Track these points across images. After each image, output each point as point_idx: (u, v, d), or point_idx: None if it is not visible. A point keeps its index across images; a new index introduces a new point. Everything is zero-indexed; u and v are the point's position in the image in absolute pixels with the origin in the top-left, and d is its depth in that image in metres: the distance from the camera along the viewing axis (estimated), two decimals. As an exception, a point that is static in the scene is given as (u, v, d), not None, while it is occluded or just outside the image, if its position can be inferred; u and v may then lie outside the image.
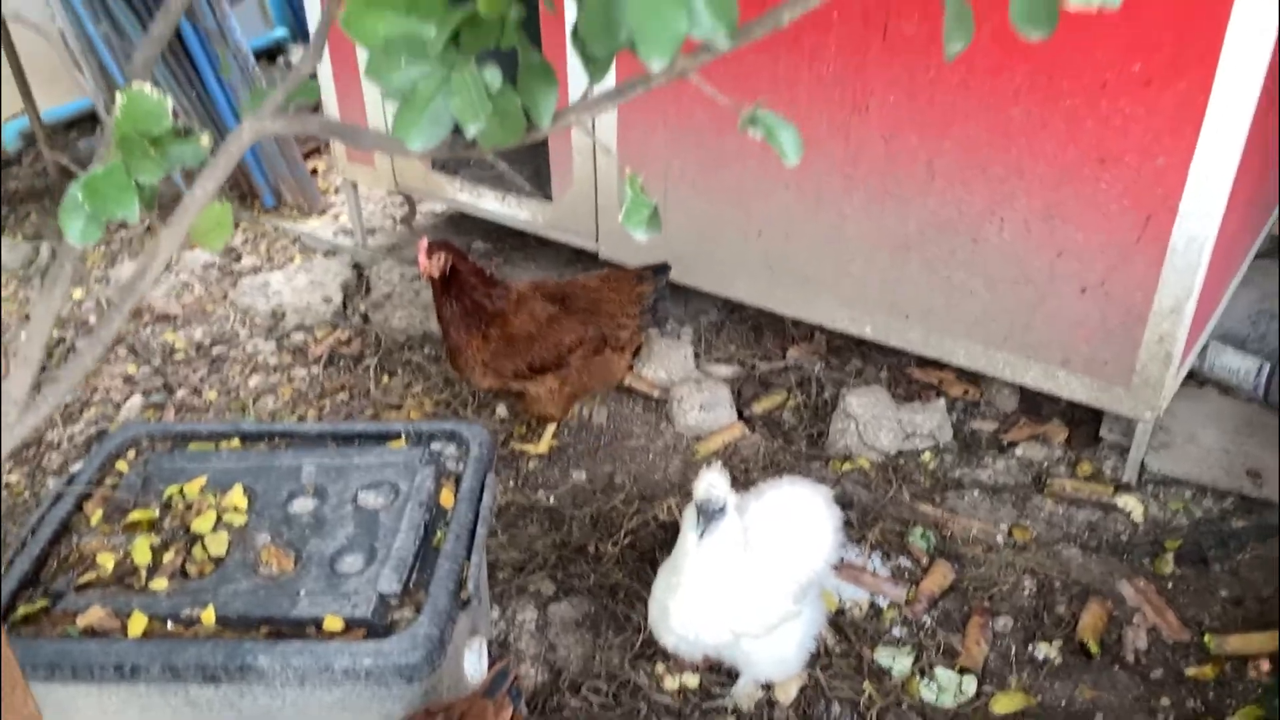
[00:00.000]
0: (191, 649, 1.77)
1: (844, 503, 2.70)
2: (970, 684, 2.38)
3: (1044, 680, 2.41)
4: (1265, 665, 2.40)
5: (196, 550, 2.02)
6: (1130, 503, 2.88)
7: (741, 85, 2.92)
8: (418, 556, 2.00)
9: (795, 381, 3.41)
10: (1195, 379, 3.21)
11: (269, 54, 6.07)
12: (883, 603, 2.60)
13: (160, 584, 1.94)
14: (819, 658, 2.43)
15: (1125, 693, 2.37)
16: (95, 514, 2.13)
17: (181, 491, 2.15)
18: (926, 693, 2.37)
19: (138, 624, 1.85)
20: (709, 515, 2.04)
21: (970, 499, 2.94)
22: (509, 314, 2.93)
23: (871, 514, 2.87)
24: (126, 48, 4.30)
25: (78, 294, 4.05)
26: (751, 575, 2.13)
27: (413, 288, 3.92)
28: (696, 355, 3.52)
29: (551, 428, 3.18)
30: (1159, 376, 2.69)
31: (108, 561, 2.00)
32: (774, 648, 2.23)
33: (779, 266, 3.20)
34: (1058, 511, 2.88)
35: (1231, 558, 2.70)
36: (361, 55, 3.59)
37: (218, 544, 2.03)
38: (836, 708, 2.34)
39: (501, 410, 3.34)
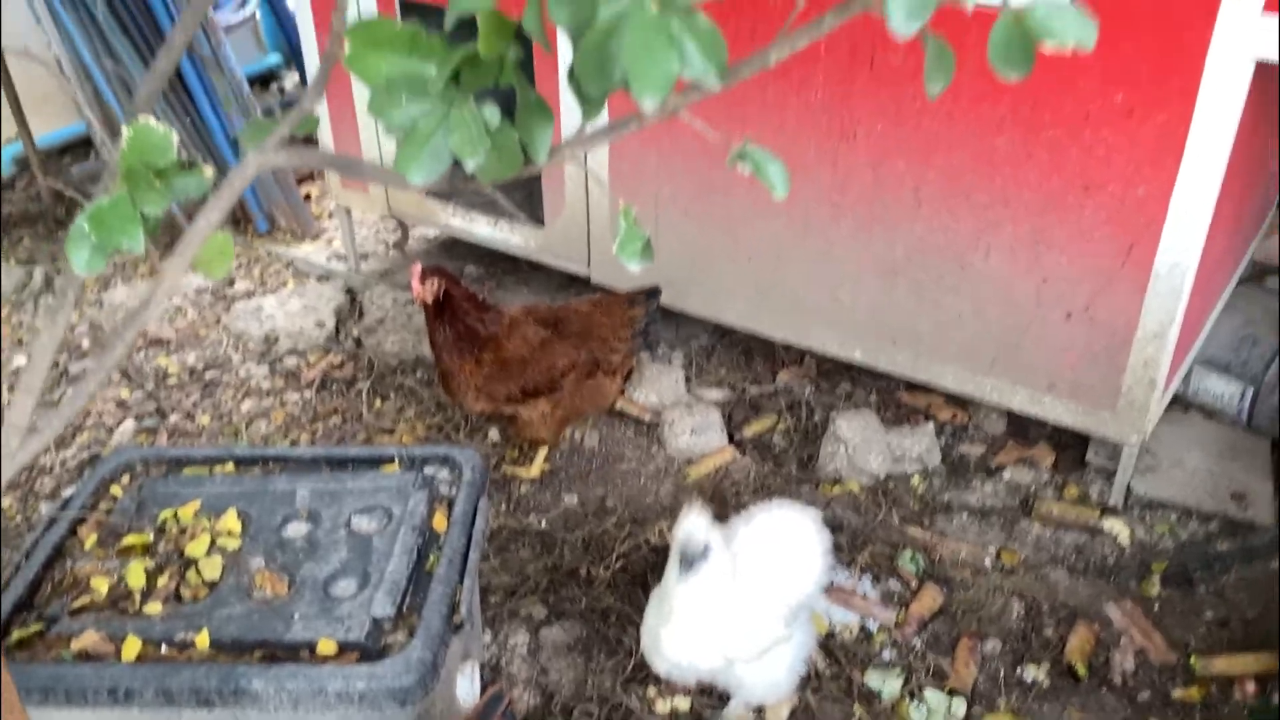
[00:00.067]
0: (186, 673, 1.78)
1: (834, 526, 2.72)
2: (960, 706, 2.40)
3: (1032, 702, 2.43)
4: (1251, 687, 2.42)
5: (191, 574, 2.03)
6: (1117, 525, 2.90)
7: (730, 113, 2.97)
8: (411, 580, 2.02)
9: (785, 405, 3.44)
10: (1180, 403, 3.25)
11: (263, 80, 6.12)
12: (872, 626, 2.62)
13: (154, 608, 1.96)
14: (809, 680, 2.45)
15: (1112, 715, 2.39)
16: (90, 538, 2.14)
17: (176, 516, 2.16)
18: (916, 715, 2.39)
19: (132, 648, 1.86)
20: (688, 560, 2.06)
21: (959, 522, 2.96)
22: (502, 338, 2.96)
23: (861, 537, 2.89)
24: (121, 73, 4.34)
25: (71, 317, 4.06)
26: (742, 600, 2.15)
27: (405, 312, 3.94)
28: (687, 379, 3.55)
29: (543, 451, 3.19)
30: (1144, 401, 2.72)
31: (102, 586, 2.01)
32: (765, 671, 2.25)
33: (769, 291, 3.23)
34: (1045, 534, 2.90)
35: (1217, 580, 2.73)
36: (356, 84, 3.63)
37: (212, 568, 2.04)
38: (827, 731, 2.35)
39: (494, 434, 3.35)
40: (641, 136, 3.19)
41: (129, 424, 3.43)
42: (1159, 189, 2.48)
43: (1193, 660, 2.50)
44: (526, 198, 3.72)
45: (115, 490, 2.28)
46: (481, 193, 3.92)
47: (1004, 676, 2.49)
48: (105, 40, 4.27)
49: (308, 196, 4.93)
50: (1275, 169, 3.50)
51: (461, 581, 2.02)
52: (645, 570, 2.76)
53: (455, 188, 0.96)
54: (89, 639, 1.89)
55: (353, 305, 4.10)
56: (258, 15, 6.01)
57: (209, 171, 1.06)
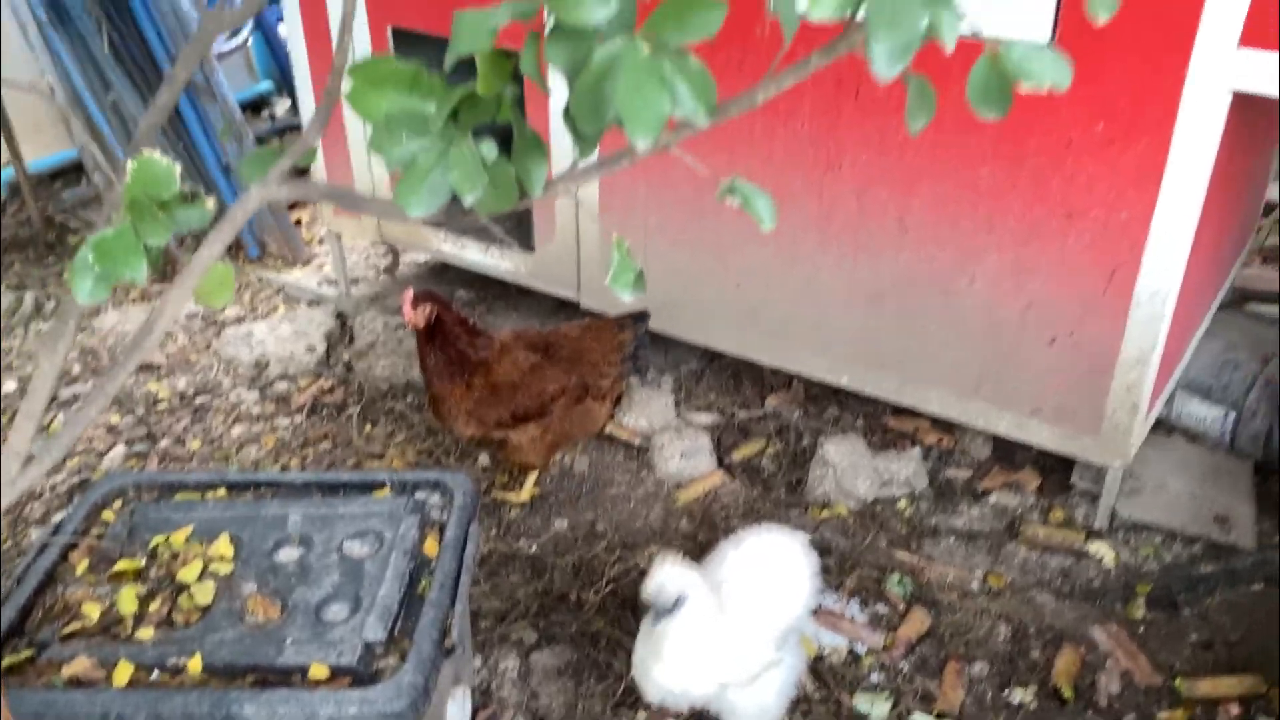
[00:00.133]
0: (177, 698, 1.79)
1: (822, 550, 2.74)
2: (947, 729, 2.42)
3: (1020, 725, 2.45)
4: (1235, 709, 2.45)
5: (183, 599, 2.04)
6: (1102, 549, 2.93)
7: (719, 144, 3.01)
8: (402, 605, 2.03)
9: (774, 429, 3.47)
10: (1163, 427, 3.29)
11: (254, 106, 6.15)
12: (861, 649, 2.64)
13: (146, 633, 1.96)
14: (799, 704, 2.46)
15: (1099, 737, 2.41)
16: (81, 564, 2.14)
17: (168, 541, 2.17)
18: (905, 738, 2.40)
19: (123, 674, 1.86)
20: (659, 613, 2.09)
21: (946, 545, 2.99)
22: (492, 363, 2.98)
23: (849, 561, 2.91)
24: (114, 98, 4.37)
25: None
26: (733, 626, 2.17)
27: (395, 337, 3.96)
28: (677, 403, 3.57)
29: (533, 476, 3.21)
30: (1127, 425, 2.76)
31: (93, 611, 2.01)
32: (756, 695, 2.26)
33: (757, 317, 3.26)
34: (1031, 558, 2.93)
35: (1200, 602, 2.76)
36: (348, 111, 3.66)
37: (204, 593, 2.04)
38: (816, 754, 2.36)
39: (483, 459, 3.37)
40: (632, 167, 3.22)
41: (119, 449, 3.43)
42: (1140, 216, 2.52)
43: (1177, 683, 2.52)
44: (517, 224, 3.75)
45: (107, 515, 2.28)
46: (473, 219, 3.92)
47: (991, 699, 2.51)
48: (99, 68, 4.30)
49: (298, 222, 4.95)
50: (1254, 196, 3.56)
51: (453, 606, 2.03)
52: (635, 595, 2.77)
53: (451, 218, 0.99)
54: (80, 665, 1.89)
55: (343, 330, 4.12)
56: (249, 42, 6.05)
57: (210, 203, 1.08)
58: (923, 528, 3.06)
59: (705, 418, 3.54)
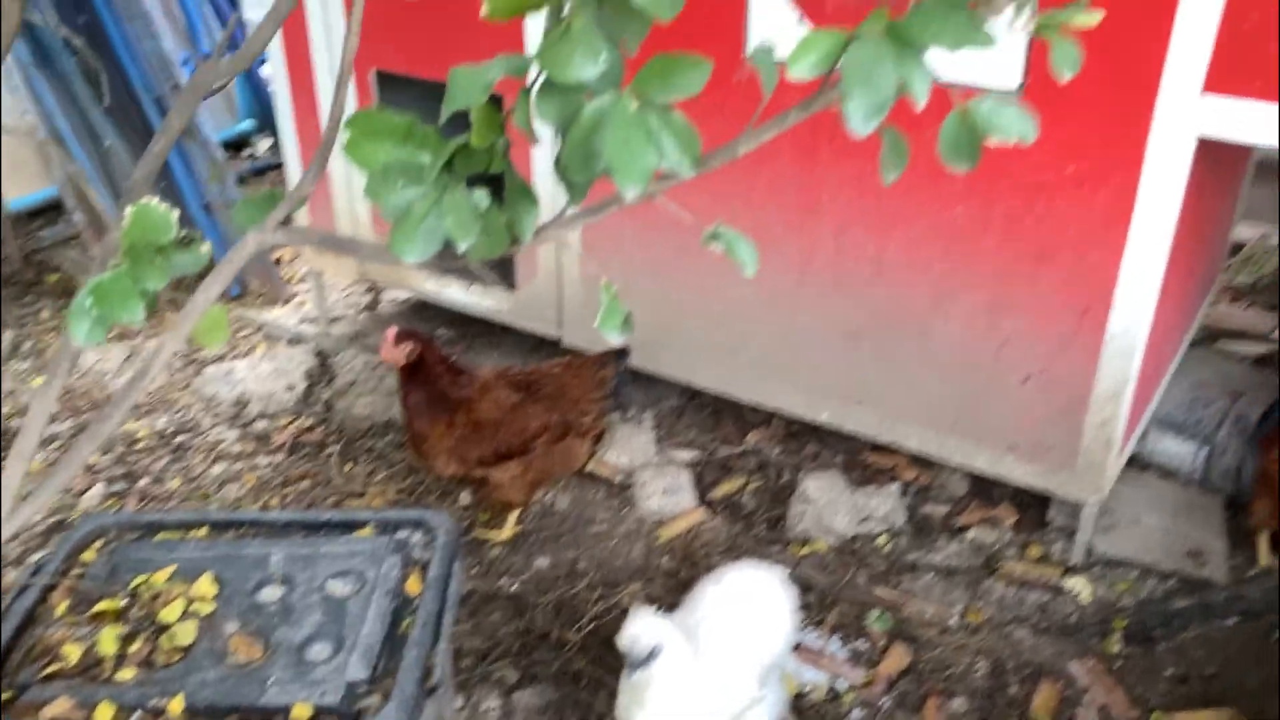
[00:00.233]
0: (159, 739, 1.78)
1: (802, 586, 2.76)
2: (929, 765, 2.43)
3: (1000, 760, 2.46)
4: (1211, 742, 2.47)
5: (164, 640, 2.03)
6: (1078, 584, 2.97)
7: (701, 185, 3.04)
8: (385, 644, 2.03)
9: (755, 466, 3.49)
10: (1137, 463, 3.34)
11: (235, 145, 6.18)
12: (842, 685, 2.65)
13: (127, 674, 1.95)
14: (781, 741, 2.47)
15: (1078, 772, 2.43)
16: (61, 605, 2.13)
17: (149, 581, 2.16)
18: (886, 775, 2.41)
19: (104, 715, 1.85)
20: (634, 664, 2.10)
21: (925, 581, 3.01)
22: (474, 401, 2.99)
23: (829, 597, 2.93)
24: (95, 135, 4.39)
25: (40, 381, 4.05)
26: (714, 666, 2.18)
27: (376, 375, 3.97)
28: (658, 440, 3.59)
29: (515, 514, 3.21)
30: (1102, 461, 2.80)
31: (73, 653, 2.00)
32: (739, 732, 2.27)
33: (738, 354, 3.30)
34: (1009, 593, 2.96)
35: (1176, 636, 2.79)
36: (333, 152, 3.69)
37: (185, 633, 2.04)
38: (798, 791, 2.36)
39: (464, 497, 3.37)
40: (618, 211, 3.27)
41: (98, 488, 3.41)
42: (1110, 255, 2.58)
43: (1154, 717, 2.55)
44: (499, 262, 3.78)
45: (88, 555, 2.27)
46: (458, 260, 3.97)
47: (972, 735, 2.53)
48: (81, 108, 4.32)
49: (278, 260, 4.97)
50: (1221, 235, 3.64)
51: (436, 645, 2.03)
52: (617, 633, 2.77)
53: (437, 258, 1.02)
54: (61, 706, 1.87)
55: (323, 368, 4.13)
56: (231, 81, 6.09)
57: (206, 248, 1.11)
58: (902, 563, 3.09)
59: (686, 454, 3.56)
